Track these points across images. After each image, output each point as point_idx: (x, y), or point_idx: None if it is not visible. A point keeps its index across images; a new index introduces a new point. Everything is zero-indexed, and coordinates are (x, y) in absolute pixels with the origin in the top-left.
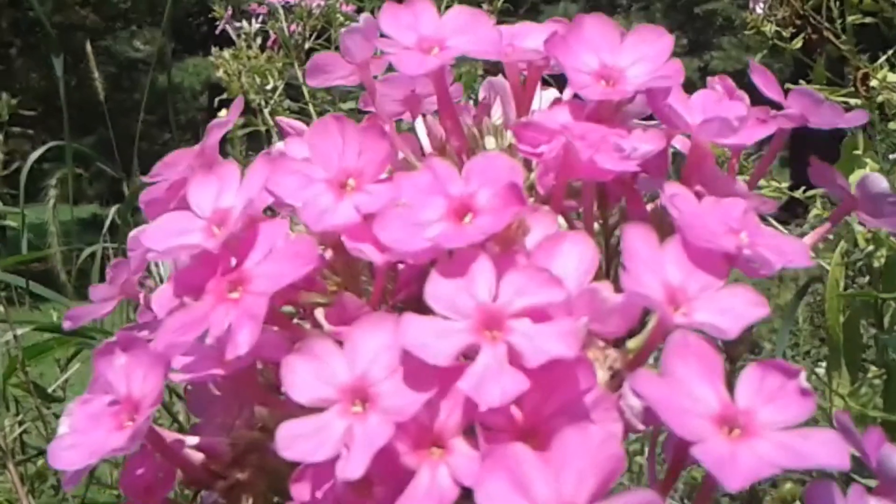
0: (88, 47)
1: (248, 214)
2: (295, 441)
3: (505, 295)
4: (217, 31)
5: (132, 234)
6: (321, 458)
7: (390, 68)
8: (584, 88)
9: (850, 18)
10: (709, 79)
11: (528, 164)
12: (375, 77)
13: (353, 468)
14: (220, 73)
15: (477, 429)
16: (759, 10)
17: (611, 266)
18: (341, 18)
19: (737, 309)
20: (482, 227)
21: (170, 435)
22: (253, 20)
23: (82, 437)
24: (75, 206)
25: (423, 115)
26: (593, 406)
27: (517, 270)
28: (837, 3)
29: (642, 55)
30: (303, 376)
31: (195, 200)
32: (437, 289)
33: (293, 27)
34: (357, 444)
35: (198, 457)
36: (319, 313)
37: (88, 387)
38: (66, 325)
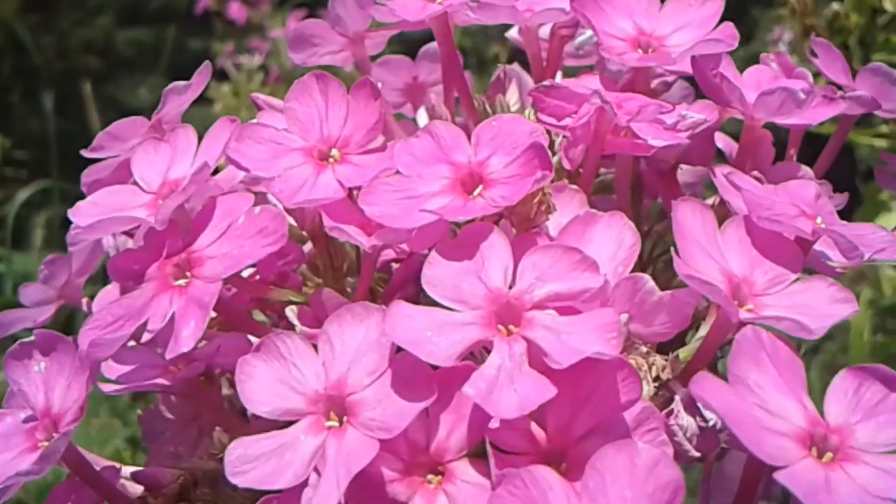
0: (87, 89)
1: (201, 182)
2: (250, 464)
3: (524, 280)
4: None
5: (73, 227)
6: (283, 485)
7: (391, 46)
8: (620, 55)
9: (875, 57)
10: (762, 55)
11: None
12: (373, 59)
13: (324, 498)
14: (217, 108)
15: (488, 450)
16: (782, 48)
17: (646, 270)
18: None
19: (818, 305)
20: (496, 199)
21: (100, 461)
22: (256, 55)
23: None
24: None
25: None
26: (636, 425)
27: (540, 250)
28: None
29: (687, 21)
30: (263, 381)
31: (140, 171)
32: (437, 272)
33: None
34: (330, 467)
35: (135, 489)
36: (292, 312)
37: (4, 399)
38: None
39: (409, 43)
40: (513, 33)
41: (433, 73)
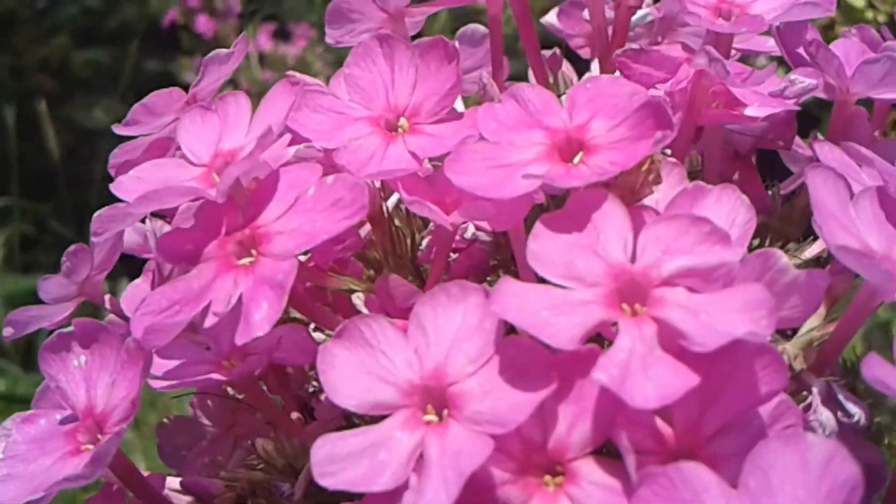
0: (43, 106)
1: (268, 147)
2: (338, 463)
3: (649, 254)
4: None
5: (99, 213)
6: (380, 489)
7: (429, 23)
8: (707, 21)
9: None
10: (842, 30)
11: None
12: (413, 39)
13: None
14: None
15: (621, 446)
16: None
17: None
18: (318, 65)
19: None
20: (605, 165)
21: (142, 471)
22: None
23: (23, 464)
24: (27, 275)
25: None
26: (772, 421)
27: (665, 221)
28: None
29: None
30: (348, 371)
31: (188, 142)
32: (545, 247)
33: (266, 75)
34: (435, 469)
35: (183, 500)
36: (359, 300)
37: (35, 399)
38: (7, 332)
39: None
40: (550, 18)
41: (471, 57)
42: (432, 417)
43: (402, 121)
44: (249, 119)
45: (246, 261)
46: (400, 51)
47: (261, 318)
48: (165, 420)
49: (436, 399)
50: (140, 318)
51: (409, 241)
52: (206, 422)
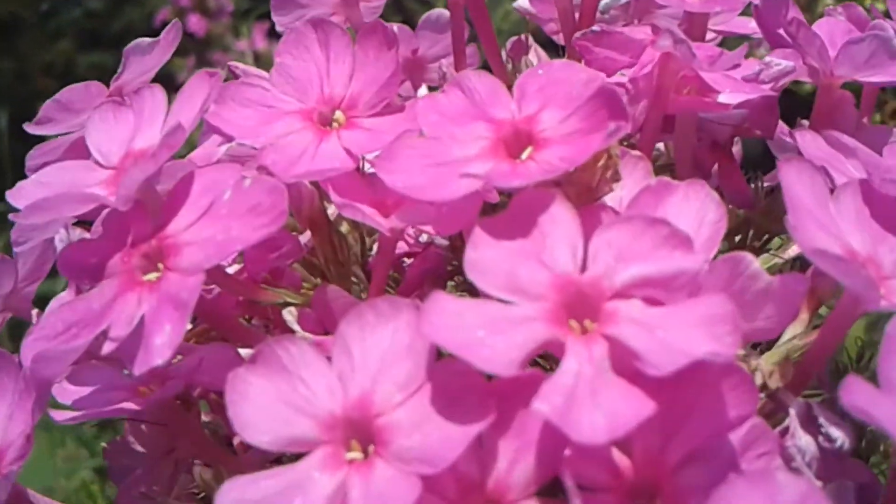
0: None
1: (174, 147)
2: None
3: (600, 262)
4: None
5: (19, 222)
6: None
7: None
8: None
9: None
10: (827, 8)
11: None
12: None
13: None
14: None
15: (567, 487)
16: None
17: None
18: None
19: None
20: (554, 161)
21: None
22: (219, 69)
23: None
24: None
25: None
26: (744, 448)
27: (617, 224)
28: None
29: None
30: (262, 402)
31: (97, 142)
32: (484, 255)
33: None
34: None
35: None
36: (290, 315)
37: None
38: None
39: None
40: (522, 2)
41: (436, 45)
42: (356, 455)
43: (338, 114)
44: (166, 114)
45: (152, 276)
46: (336, 36)
47: (162, 344)
48: (104, 445)
49: (360, 433)
50: (32, 343)
51: (358, 247)
52: (140, 448)
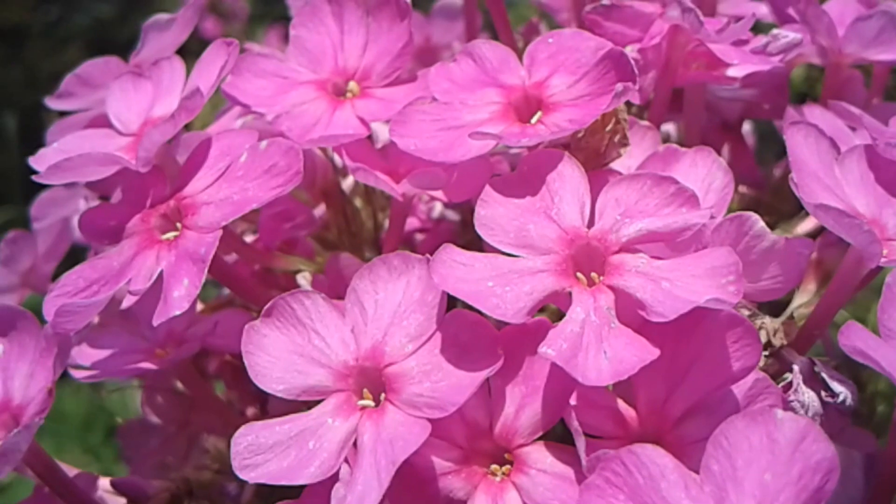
0: (52, 119)
1: (193, 111)
2: (262, 454)
3: (607, 217)
4: None
5: (40, 197)
6: (306, 481)
7: None
8: None
9: None
10: None
11: None
12: None
13: (361, 497)
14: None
15: (572, 428)
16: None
17: None
18: None
19: None
20: (562, 123)
21: (72, 469)
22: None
23: None
24: None
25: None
26: (747, 401)
27: (625, 181)
28: None
29: None
30: (277, 353)
31: (117, 110)
32: (494, 212)
33: None
34: (367, 457)
35: (116, 502)
36: (304, 279)
37: None
38: None
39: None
40: None
41: (448, 32)
42: (368, 402)
43: (352, 84)
44: (184, 84)
45: (170, 235)
46: (350, 9)
47: (180, 296)
48: (133, 419)
49: (373, 381)
50: (53, 299)
51: (372, 220)
52: (155, 419)
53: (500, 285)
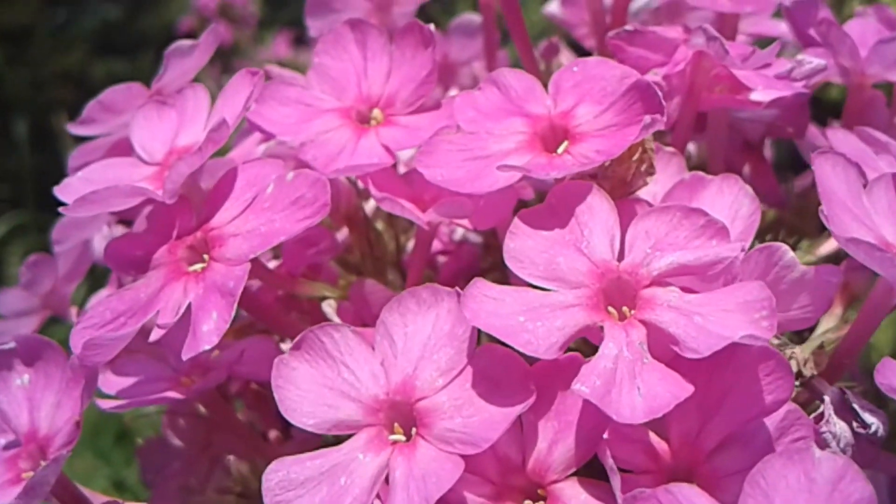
0: (61, 121)
1: (220, 142)
2: (294, 490)
3: (638, 251)
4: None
5: (61, 221)
6: None
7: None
8: (707, 1)
9: None
10: (857, 9)
11: None
12: None
13: None
14: None
15: (606, 465)
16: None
17: None
18: None
19: None
20: (590, 154)
21: (98, 497)
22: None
23: None
24: None
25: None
26: (779, 433)
27: (654, 214)
28: None
29: None
30: (307, 386)
31: (141, 139)
32: (524, 245)
33: None
34: (400, 494)
35: None
36: (330, 307)
37: None
38: None
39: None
40: (552, 8)
41: (466, 49)
42: (399, 437)
43: (376, 112)
44: (208, 113)
45: (197, 266)
46: (373, 37)
47: (209, 330)
48: (153, 437)
49: (404, 416)
50: (81, 331)
51: (394, 242)
52: (177, 442)
53: (531, 320)
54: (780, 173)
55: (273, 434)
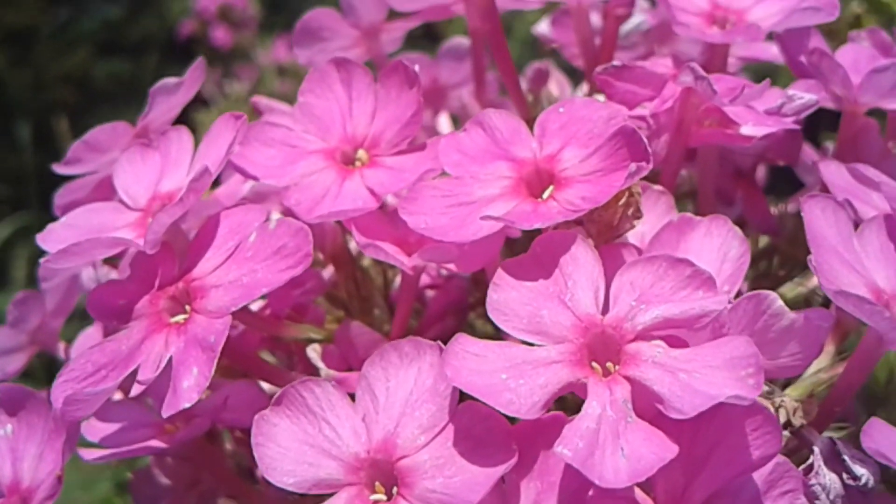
0: (63, 124)
1: (201, 191)
2: None
3: (622, 304)
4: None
5: (46, 258)
6: None
7: (409, 42)
8: (697, 30)
9: None
10: (850, 33)
11: None
12: (390, 57)
13: None
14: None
15: None
16: None
17: None
18: None
19: None
20: (575, 201)
21: None
22: (244, 82)
23: None
24: None
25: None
26: (768, 487)
27: (640, 265)
28: None
29: None
30: (287, 444)
31: (124, 184)
32: (507, 297)
33: (285, 87)
34: None
35: None
36: (314, 352)
37: None
38: None
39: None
40: (542, 28)
41: (456, 73)
42: (380, 497)
43: (361, 153)
44: (192, 157)
45: (180, 318)
46: (358, 76)
47: (189, 387)
48: (129, 475)
49: (385, 474)
50: (62, 385)
51: (381, 277)
52: (164, 480)
53: (513, 378)
54: (778, 189)
55: (260, 471)
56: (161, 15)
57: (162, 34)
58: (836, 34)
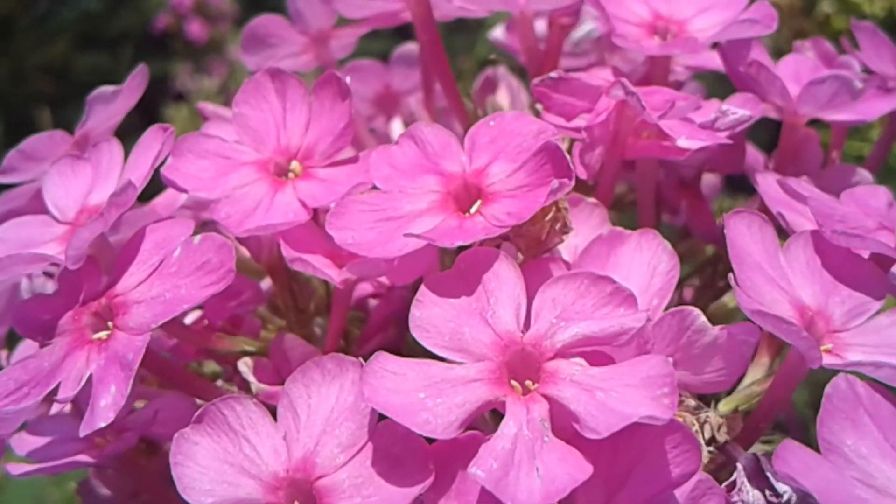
0: (44, 116)
1: (123, 206)
2: None
3: (543, 321)
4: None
5: None
6: None
7: (360, 51)
8: (637, 43)
9: None
10: (796, 43)
11: None
12: (341, 63)
13: None
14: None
15: None
16: None
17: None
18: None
19: None
20: (501, 217)
21: None
22: (215, 77)
23: None
24: None
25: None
26: (690, 503)
27: (561, 281)
28: None
29: (712, 2)
30: (207, 463)
31: (54, 197)
32: (430, 313)
33: None
34: None
35: None
36: (245, 366)
37: None
38: None
39: (377, 52)
40: (497, 34)
41: (408, 79)
42: None
43: (295, 164)
44: (121, 169)
45: (102, 334)
46: (292, 86)
47: (106, 406)
48: (74, 484)
49: (304, 494)
50: None
51: (324, 286)
52: (104, 491)
53: (431, 397)
54: (748, 188)
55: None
56: (138, 8)
57: (139, 28)
58: (804, 34)
